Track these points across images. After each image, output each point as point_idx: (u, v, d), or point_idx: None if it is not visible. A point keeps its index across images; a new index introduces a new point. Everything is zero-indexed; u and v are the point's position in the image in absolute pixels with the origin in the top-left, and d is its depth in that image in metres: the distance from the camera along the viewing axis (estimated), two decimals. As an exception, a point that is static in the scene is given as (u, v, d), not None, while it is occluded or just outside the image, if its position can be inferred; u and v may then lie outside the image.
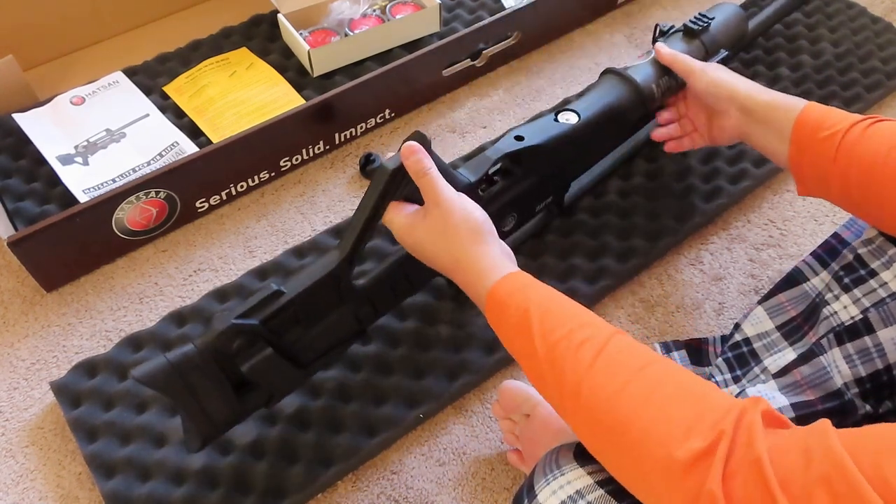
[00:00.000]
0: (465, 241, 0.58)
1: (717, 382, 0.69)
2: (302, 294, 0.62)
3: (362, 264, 0.85)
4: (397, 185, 0.61)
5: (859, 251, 0.62)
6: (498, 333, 0.55)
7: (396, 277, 0.70)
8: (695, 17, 0.89)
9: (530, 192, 0.77)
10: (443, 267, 0.60)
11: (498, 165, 0.73)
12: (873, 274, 0.59)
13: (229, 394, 0.61)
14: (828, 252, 0.67)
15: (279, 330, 0.62)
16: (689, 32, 0.88)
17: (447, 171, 0.64)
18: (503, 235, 0.75)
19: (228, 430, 0.64)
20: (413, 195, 0.63)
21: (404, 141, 0.61)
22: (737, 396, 0.65)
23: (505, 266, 0.56)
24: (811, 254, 0.69)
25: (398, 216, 0.62)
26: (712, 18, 0.89)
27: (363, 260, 0.85)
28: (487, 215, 0.60)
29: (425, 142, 0.61)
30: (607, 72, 0.85)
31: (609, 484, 0.47)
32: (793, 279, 0.69)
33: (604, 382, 0.46)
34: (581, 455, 0.50)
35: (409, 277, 0.71)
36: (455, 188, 0.61)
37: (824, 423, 0.39)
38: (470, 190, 0.68)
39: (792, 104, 0.67)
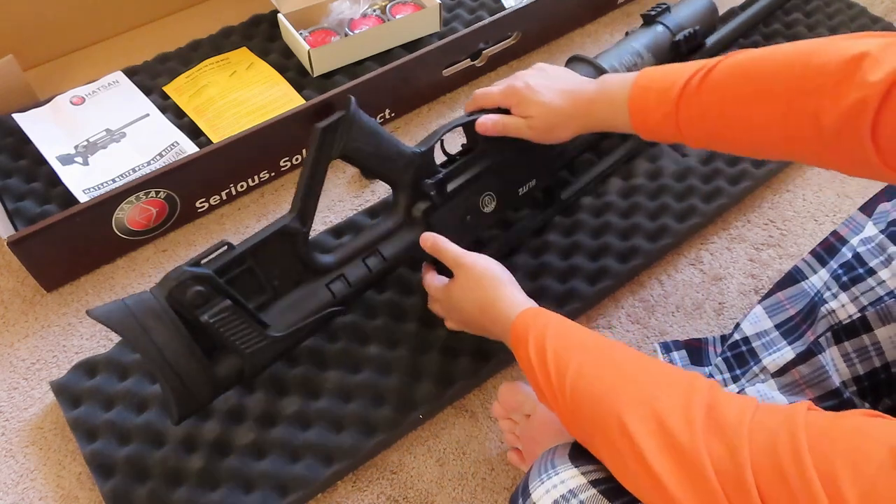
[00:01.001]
0: (487, 289, 0.65)
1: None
2: (253, 248, 0.63)
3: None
4: (332, 142, 0.66)
5: (858, 249, 0.62)
6: (519, 358, 0.59)
7: (366, 250, 0.71)
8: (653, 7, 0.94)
9: (503, 170, 0.77)
10: (474, 320, 0.68)
11: (460, 146, 0.76)
12: (871, 272, 0.59)
13: (195, 350, 0.60)
14: (826, 250, 0.68)
15: (241, 290, 0.63)
16: (647, 19, 0.92)
17: (391, 140, 0.70)
18: (487, 218, 0.78)
19: (207, 404, 0.64)
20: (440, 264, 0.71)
21: (331, 120, 0.66)
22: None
23: (525, 303, 0.63)
24: (810, 252, 0.69)
25: (434, 281, 0.72)
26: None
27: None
28: (504, 268, 0.67)
29: (350, 104, 0.66)
30: (573, 59, 0.86)
31: (602, 483, 0.47)
32: (792, 277, 0.69)
33: (595, 370, 0.51)
34: (576, 455, 0.50)
35: (381, 252, 0.71)
36: (403, 157, 0.70)
37: (797, 409, 0.40)
38: (420, 159, 0.71)
39: (617, 96, 0.67)
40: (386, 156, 0.70)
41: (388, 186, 0.96)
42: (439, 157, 0.74)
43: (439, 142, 0.73)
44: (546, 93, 0.71)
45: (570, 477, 0.48)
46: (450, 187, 0.74)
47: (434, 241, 0.70)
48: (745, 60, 0.58)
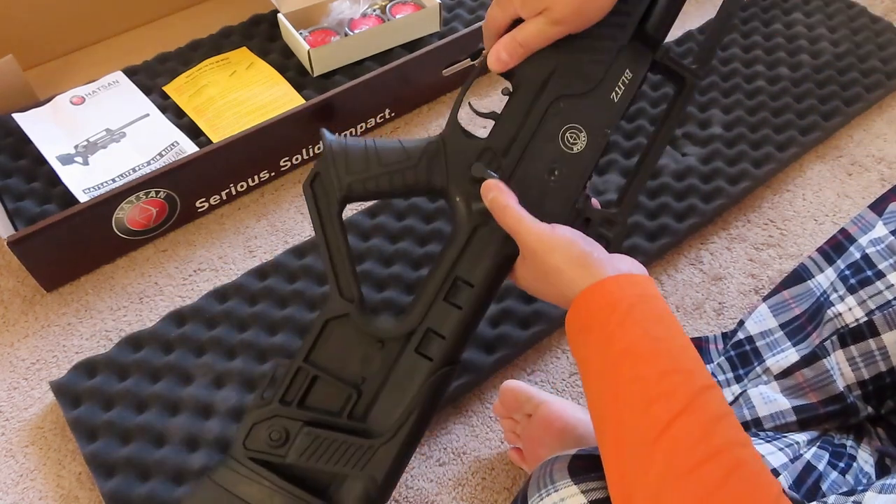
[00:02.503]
0: (573, 278, 0.48)
1: (718, 382, 0.69)
2: (306, 356, 0.55)
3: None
4: (325, 191, 0.56)
5: (867, 251, 0.61)
6: (576, 333, 0.48)
7: (444, 286, 0.56)
8: None
9: (567, 86, 0.55)
10: (557, 302, 0.52)
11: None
12: (880, 275, 0.58)
13: (303, 496, 0.53)
14: (834, 248, 0.67)
15: (320, 405, 0.56)
16: None
17: (393, 148, 0.56)
18: (585, 160, 0.55)
19: None
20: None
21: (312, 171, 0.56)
22: (738, 396, 0.65)
23: (612, 269, 0.48)
24: (817, 250, 0.68)
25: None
26: None
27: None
28: (583, 235, 0.51)
29: (323, 136, 0.56)
30: None
31: (602, 503, 0.47)
32: (798, 276, 0.69)
33: (669, 462, 0.40)
34: (575, 471, 0.49)
35: (465, 280, 0.56)
36: (421, 154, 0.55)
37: None
38: (446, 145, 0.57)
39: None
40: (397, 166, 0.55)
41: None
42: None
43: (471, 113, 0.60)
44: None
45: (569, 495, 0.48)
46: (508, 151, 0.56)
47: (495, 197, 0.52)
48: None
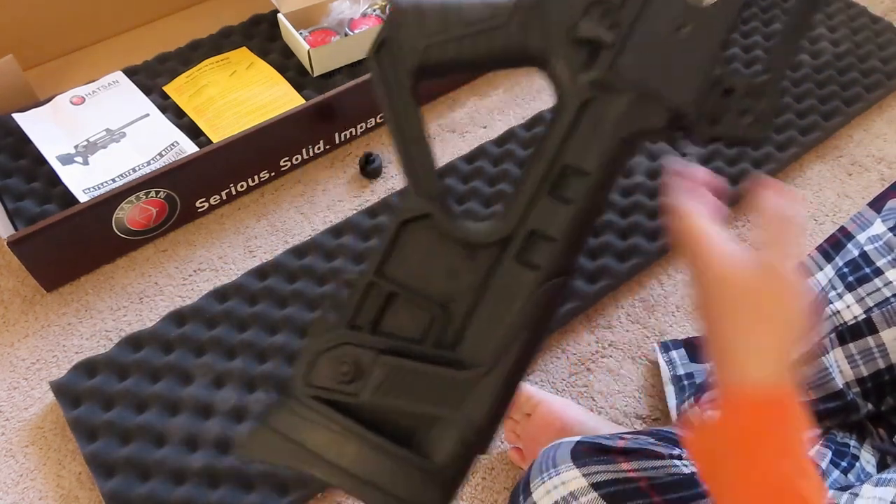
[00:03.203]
0: (740, 356, 0.39)
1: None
2: (378, 268, 0.44)
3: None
4: (396, 63, 0.46)
5: (865, 248, 0.61)
6: (728, 438, 0.39)
7: (549, 175, 0.43)
8: None
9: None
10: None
11: None
12: (878, 272, 0.58)
13: (380, 443, 0.42)
14: (833, 246, 0.67)
15: (400, 331, 0.44)
16: None
17: (476, 3, 0.45)
18: (713, 14, 0.42)
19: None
20: None
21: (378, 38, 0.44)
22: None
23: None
24: (816, 248, 0.68)
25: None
26: None
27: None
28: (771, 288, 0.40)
29: None
30: None
31: (603, 487, 0.47)
32: None
33: None
34: (577, 455, 0.50)
35: (576, 167, 0.43)
36: (512, 12, 0.43)
37: None
38: None
39: None
40: (483, 25, 0.44)
41: (389, 185, 0.96)
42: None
43: None
44: None
45: (571, 478, 0.48)
46: (625, 2, 0.42)
47: (679, 227, 0.42)
48: None
